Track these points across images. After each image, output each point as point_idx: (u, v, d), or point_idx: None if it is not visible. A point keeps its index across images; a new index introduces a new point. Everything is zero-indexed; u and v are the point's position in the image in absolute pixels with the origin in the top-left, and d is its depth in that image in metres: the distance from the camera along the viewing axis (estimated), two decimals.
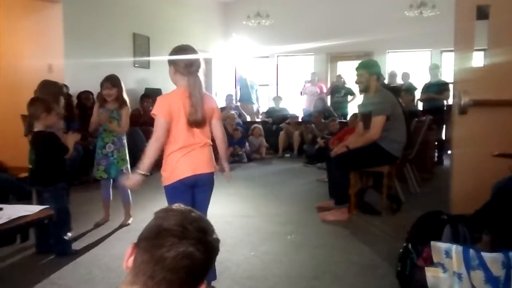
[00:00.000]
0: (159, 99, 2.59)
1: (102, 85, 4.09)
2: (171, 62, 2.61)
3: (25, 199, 3.65)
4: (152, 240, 0.93)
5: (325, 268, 3.17)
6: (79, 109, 6.43)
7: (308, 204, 4.89)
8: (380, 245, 3.61)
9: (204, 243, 0.95)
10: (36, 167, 3.36)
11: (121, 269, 0.96)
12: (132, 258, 0.96)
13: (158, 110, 2.50)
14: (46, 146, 3.31)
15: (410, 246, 2.70)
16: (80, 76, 6.63)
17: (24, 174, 4.61)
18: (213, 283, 2.75)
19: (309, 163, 7.78)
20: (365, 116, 4.49)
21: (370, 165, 4.47)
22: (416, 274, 2.56)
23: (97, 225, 4.10)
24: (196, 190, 2.62)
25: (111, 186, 4.17)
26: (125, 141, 4.15)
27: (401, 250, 2.79)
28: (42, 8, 6.45)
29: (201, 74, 2.58)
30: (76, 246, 3.48)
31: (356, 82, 4.56)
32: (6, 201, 4.07)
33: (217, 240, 1.00)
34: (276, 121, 9.51)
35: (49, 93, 3.62)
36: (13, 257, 3.26)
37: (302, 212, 4.68)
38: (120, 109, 4.06)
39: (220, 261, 2.70)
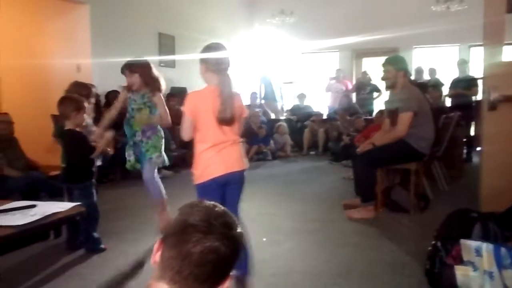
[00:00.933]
0: (188, 96, 2.64)
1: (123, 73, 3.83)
2: (202, 60, 2.63)
3: (56, 197, 3.73)
4: (178, 235, 0.95)
5: (350, 266, 3.15)
6: (107, 109, 6.53)
7: (334, 202, 4.86)
8: (407, 243, 3.56)
9: (229, 238, 0.96)
10: (66, 165, 3.43)
11: (148, 266, 0.98)
12: (159, 253, 0.97)
13: (185, 107, 2.55)
14: (74, 144, 3.38)
15: (439, 244, 2.66)
16: (107, 76, 6.74)
17: (54, 172, 4.73)
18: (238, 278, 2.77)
19: (334, 160, 7.73)
20: (392, 113, 4.43)
21: (397, 163, 4.41)
22: (445, 272, 2.52)
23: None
24: (227, 187, 2.62)
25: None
26: (159, 128, 3.76)
27: (429, 248, 2.74)
28: (70, 9, 6.59)
29: (231, 72, 2.61)
30: (105, 242, 3.54)
31: (383, 79, 4.51)
32: (38, 198, 4.18)
33: (242, 234, 1.02)
34: (300, 119, 9.47)
35: (79, 94, 3.67)
36: (44, 252, 3.38)
37: (328, 210, 4.65)
38: (152, 96, 3.69)
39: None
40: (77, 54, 6.61)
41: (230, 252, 0.96)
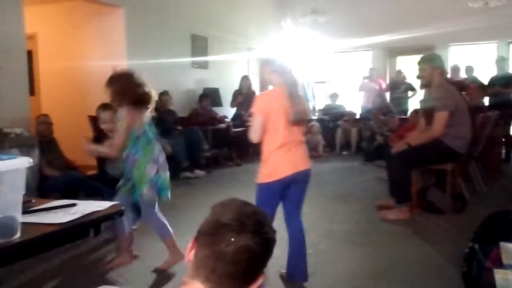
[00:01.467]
0: (257, 98, 2.69)
1: None
2: (266, 62, 2.69)
3: (93, 196, 3.84)
4: (211, 235, 0.97)
5: (385, 268, 3.11)
6: None
7: (367, 203, 4.81)
8: (444, 245, 3.49)
9: (261, 236, 0.97)
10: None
11: (183, 265, 1.00)
12: (193, 252, 0.99)
13: (256, 108, 2.58)
14: None
15: (477, 246, 2.59)
16: (141, 77, 6.86)
17: (92, 172, 4.85)
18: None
19: (367, 160, 7.63)
20: (427, 112, 4.35)
21: (433, 163, 4.33)
22: (484, 275, 2.46)
23: None
24: (292, 186, 2.66)
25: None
26: (137, 156, 2.92)
27: (466, 251, 2.68)
28: (105, 12, 6.75)
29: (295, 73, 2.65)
30: (144, 240, 3.62)
31: (418, 77, 4.43)
32: (76, 197, 4.30)
33: (274, 232, 1.02)
34: (333, 119, 9.40)
35: None
36: (86, 250, 3.48)
37: (361, 210, 4.61)
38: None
39: (279, 257, 2.73)
40: (113, 56, 6.75)
41: (263, 250, 0.97)
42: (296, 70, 2.67)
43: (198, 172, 6.42)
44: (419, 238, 3.73)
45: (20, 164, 1.39)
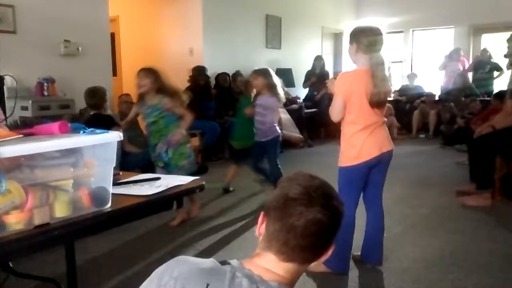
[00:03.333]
0: (340, 78, 2.62)
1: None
2: (353, 40, 2.59)
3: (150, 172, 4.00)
4: (280, 209, 0.98)
5: (465, 255, 2.99)
6: (217, 90, 6.80)
7: (446, 188, 4.62)
8: None
9: (330, 208, 0.98)
10: None
11: (254, 239, 1.04)
12: (263, 226, 1.02)
13: (338, 89, 2.54)
14: None
15: None
16: (217, 59, 7.00)
17: None
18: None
19: (446, 144, 7.30)
20: None
21: None
22: None
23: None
24: (375, 169, 2.62)
25: None
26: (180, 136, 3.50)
27: None
28: None
29: (384, 53, 2.53)
30: (211, 216, 3.76)
31: (506, 56, 4.15)
32: (154, 173, 4.50)
33: (341, 204, 1.02)
34: (410, 100, 9.05)
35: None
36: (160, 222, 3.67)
37: (439, 195, 4.44)
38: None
39: (354, 240, 2.71)
40: (190, 38, 6.94)
41: (332, 222, 0.98)
42: (383, 50, 2.54)
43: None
44: (501, 226, 3.54)
45: (112, 138, 1.48)
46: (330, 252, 1.02)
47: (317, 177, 1.04)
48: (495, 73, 8.74)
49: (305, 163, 6.12)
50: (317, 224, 0.96)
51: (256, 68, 4.36)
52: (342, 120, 2.59)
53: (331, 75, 8.68)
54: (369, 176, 2.64)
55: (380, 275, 2.75)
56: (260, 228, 1.03)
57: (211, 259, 1.00)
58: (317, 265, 2.73)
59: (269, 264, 0.98)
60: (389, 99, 2.66)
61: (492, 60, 8.83)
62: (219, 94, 6.71)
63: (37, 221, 1.31)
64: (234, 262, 0.98)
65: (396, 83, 10.43)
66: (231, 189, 4.62)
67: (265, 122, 4.11)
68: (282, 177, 1.07)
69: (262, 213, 1.04)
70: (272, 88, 4.05)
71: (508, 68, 4.55)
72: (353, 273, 2.75)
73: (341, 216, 1.02)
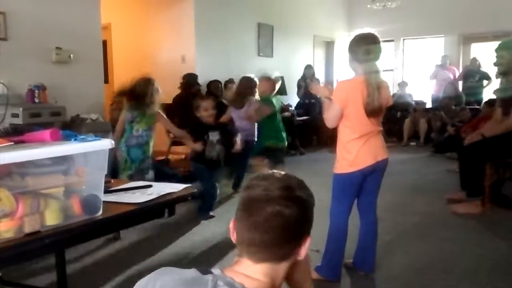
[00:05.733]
0: (337, 85, 2.66)
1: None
2: (350, 50, 2.61)
3: (163, 180, 4.00)
4: (243, 211, 1.00)
5: (455, 262, 3.01)
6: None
7: (436, 195, 4.65)
8: None
9: (291, 199, 0.98)
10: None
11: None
12: (235, 232, 1.03)
13: (335, 97, 2.56)
14: None
15: None
16: (209, 66, 7.02)
17: (161, 157, 5.04)
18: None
19: (437, 152, 7.35)
20: (505, 102, 4.10)
21: (509, 156, 4.10)
22: None
23: None
24: (369, 177, 2.63)
25: None
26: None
27: None
28: (175, 3, 6.95)
29: (379, 62, 2.56)
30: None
31: (495, 64, 4.19)
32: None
33: (306, 193, 1.02)
34: (401, 108, 9.12)
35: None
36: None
37: (430, 203, 4.47)
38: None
39: (346, 248, 2.71)
40: (182, 46, 6.95)
41: (297, 212, 0.98)
42: (380, 59, 2.57)
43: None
44: (491, 234, 3.56)
45: (104, 145, 1.49)
46: (307, 244, 1.02)
47: (279, 173, 1.05)
48: (485, 82, 8.85)
49: (296, 170, 6.10)
50: (278, 216, 0.96)
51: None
52: (338, 128, 2.61)
53: (321, 84, 8.75)
54: (364, 184, 2.65)
55: (372, 283, 2.76)
56: (234, 235, 1.04)
57: (193, 269, 0.99)
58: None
59: (248, 270, 0.98)
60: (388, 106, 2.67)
61: (481, 69, 8.94)
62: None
63: (28, 229, 1.31)
64: (216, 271, 0.98)
65: None
66: None
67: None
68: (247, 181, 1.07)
69: (232, 220, 1.05)
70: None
71: (497, 77, 4.59)
72: (345, 281, 2.76)
73: (308, 205, 1.02)
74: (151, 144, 3.75)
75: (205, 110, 3.99)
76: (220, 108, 5.23)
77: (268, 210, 0.96)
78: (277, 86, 4.53)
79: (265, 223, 0.96)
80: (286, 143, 4.58)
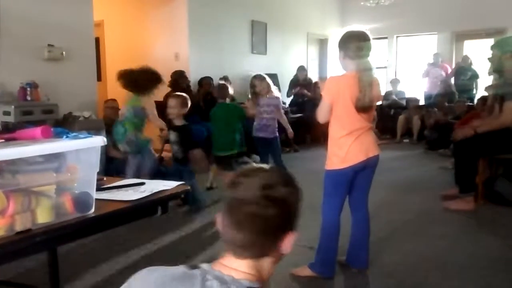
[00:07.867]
0: (328, 81, 2.67)
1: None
2: (341, 47, 2.61)
3: (157, 177, 3.99)
4: (226, 209, 1.01)
5: (448, 259, 3.03)
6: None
7: (430, 192, 4.67)
8: (510, 238, 3.34)
9: (267, 198, 0.98)
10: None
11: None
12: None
13: (325, 92, 2.58)
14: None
15: None
16: (202, 64, 7.00)
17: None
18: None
19: (430, 149, 7.39)
20: (499, 98, 4.12)
21: (502, 152, 4.12)
22: None
23: None
24: (361, 173, 2.63)
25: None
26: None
27: None
28: (169, 0, 6.92)
29: (371, 59, 2.57)
30: None
31: (490, 60, 4.20)
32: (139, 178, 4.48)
33: (290, 190, 1.02)
34: (393, 105, 9.15)
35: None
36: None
37: (423, 200, 4.48)
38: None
39: (340, 246, 2.72)
40: (176, 43, 6.93)
41: (276, 212, 0.98)
42: (371, 55, 2.57)
43: (255, 156, 6.47)
44: (484, 230, 3.59)
45: (96, 142, 1.48)
46: (291, 239, 1.01)
47: (262, 168, 1.05)
48: (476, 79, 8.91)
49: (291, 167, 6.11)
50: (255, 217, 0.97)
51: (247, 73, 4.66)
52: (329, 124, 2.61)
53: (316, 80, 8.80)
54: (355, 180, 2.65)
55: (366, 279, 2.77)
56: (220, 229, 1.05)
57: (182, 265, 1.00)
58: (303, 269, 2.75)
59: (234, 263, 0.99)
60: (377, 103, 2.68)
61: (472, 66, 8.99)
62: (203, 98, 6.70)
63: (19, 227, 1.30)
64: (204, 265, 0.99)
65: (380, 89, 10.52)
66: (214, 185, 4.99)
67: (274, 119, 4.52)
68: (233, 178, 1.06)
69: (218, 216, 1.05)
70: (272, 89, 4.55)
71: (489, 74, 4.61)
72: (339, 277, 2.76)
73: (290, 202, 1.01)
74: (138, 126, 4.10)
75: (169, 108, 4.00)
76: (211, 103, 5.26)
77: (247, 211, 0.97)
78: (231, 91, 4.52)
79: (245, 223, 0.97)
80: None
